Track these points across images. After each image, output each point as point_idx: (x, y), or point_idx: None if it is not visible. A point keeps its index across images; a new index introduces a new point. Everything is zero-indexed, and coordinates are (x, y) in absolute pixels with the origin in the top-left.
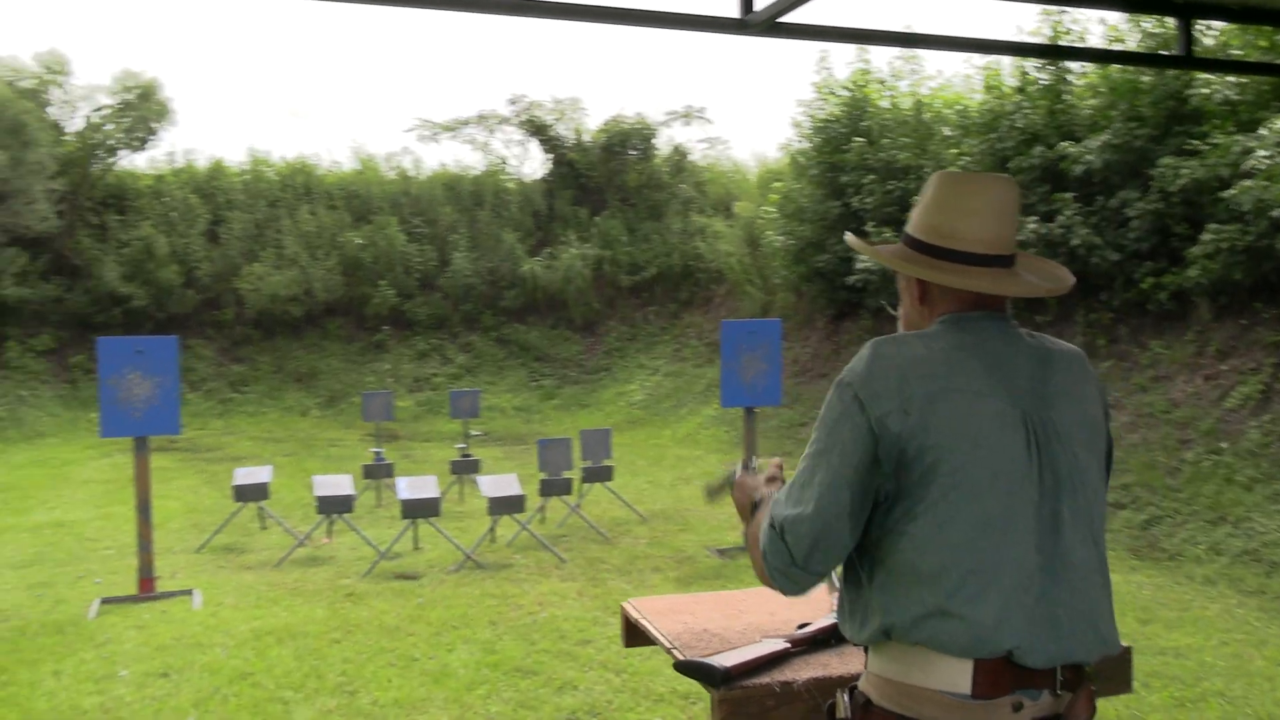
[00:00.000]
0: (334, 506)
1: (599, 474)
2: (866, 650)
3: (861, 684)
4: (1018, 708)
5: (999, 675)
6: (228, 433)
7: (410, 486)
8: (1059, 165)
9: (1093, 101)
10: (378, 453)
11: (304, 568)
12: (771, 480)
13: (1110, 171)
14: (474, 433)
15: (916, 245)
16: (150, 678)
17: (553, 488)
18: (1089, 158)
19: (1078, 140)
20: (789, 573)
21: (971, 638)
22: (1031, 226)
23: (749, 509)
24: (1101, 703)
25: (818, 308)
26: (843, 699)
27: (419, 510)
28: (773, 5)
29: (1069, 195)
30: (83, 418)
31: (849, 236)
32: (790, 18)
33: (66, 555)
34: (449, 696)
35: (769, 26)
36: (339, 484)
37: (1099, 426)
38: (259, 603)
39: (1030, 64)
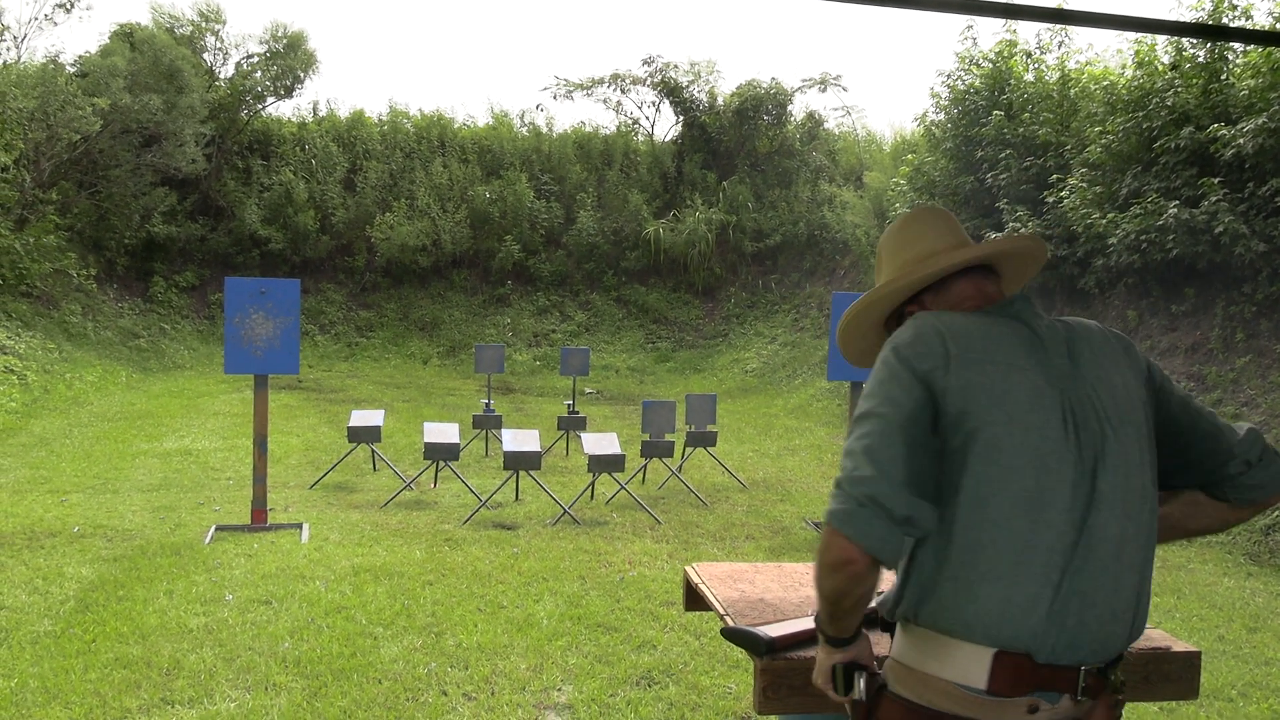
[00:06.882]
0: (440, 453)
1: (702, 439)
2: (893, 633)
3: (882, 667)
4: (1034, 710)
5: (1017, 672)
6: (351, 375)
7: (514, 439)
8: (1209, 149)
9: (1251, 82)
10: (487, 404)
11: (408, 510)
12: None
13: (1264, 157)
14: (588, 390)
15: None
16: (253, 604)
17: (654, 449)
18: (1241, 141)
19: (1232, 123)
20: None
21: (999, 617)
22: (1172, 211)
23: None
24: (1194, 710)
25: None
26: (859, 680)
27: (520, 462)
28: None
29: (1216, 180)
30: (218, 353)
31: (844, 320)
32: None
33: (191, 482)
34: (530, 645)
35: None
36: (446, 432)
37: (1134, 396)
38: (362, 541)
39: (1188, 39)
